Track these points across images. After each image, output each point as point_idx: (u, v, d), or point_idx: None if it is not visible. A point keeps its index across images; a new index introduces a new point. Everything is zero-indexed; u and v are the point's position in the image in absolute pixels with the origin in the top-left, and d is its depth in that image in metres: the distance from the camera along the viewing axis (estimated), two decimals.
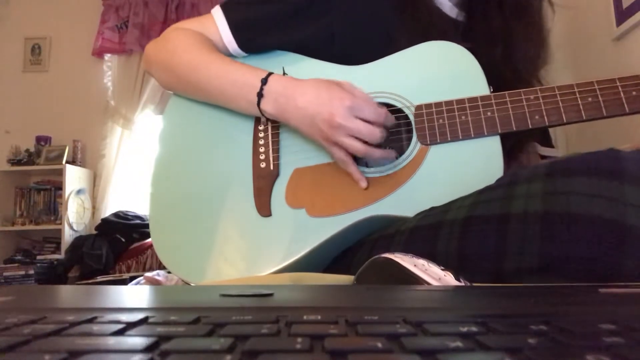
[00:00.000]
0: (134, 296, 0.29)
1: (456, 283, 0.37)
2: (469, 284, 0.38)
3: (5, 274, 2.47)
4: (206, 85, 0.69)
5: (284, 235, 0.62)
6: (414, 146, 0.62)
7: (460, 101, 0.61)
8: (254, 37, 0.74)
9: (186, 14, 3.00)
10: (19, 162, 2.96)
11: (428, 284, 0.35)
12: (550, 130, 0.77)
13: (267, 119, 0.68)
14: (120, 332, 0.17)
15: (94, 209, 2.96)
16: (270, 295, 0.26)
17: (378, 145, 0.61)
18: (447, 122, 0.61)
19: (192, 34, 0.73)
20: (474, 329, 0.17)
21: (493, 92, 0.61)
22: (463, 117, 0.60)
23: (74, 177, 2.89)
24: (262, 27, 0.73)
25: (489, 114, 0.59)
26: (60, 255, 2.70)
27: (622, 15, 1.37)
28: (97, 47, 3.08)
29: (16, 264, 2.60)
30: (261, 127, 0.70)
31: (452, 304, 0.26)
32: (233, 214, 0.66)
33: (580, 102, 0.56)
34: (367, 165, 0.64)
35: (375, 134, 0.58)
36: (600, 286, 0.32)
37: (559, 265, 0.40)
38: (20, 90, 3.15)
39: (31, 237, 3.03)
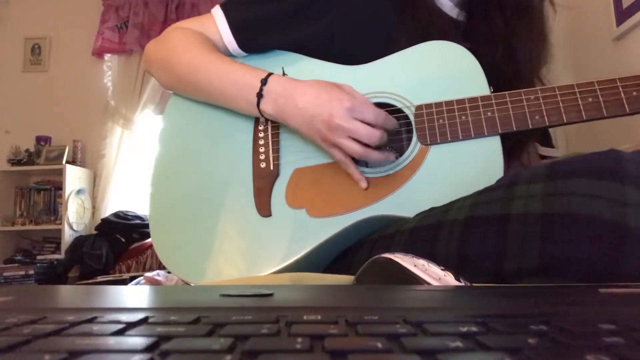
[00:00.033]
0: (134, 296, 0.29)
1: (456, 283, 0.37)
2: (469, 284, 0.38)
3: (5, 274, 2.47)
4: (206, 85, 0.69)
5: (284, 235, 0.62)
6: (414, 146, 0.62)
7: (460, 101, 0.61)
8: (254, 37, 0.74)
9: (186, 14, 3.00)
10: (19, 162, 2.96)
11: (428, 284, 0.35)
12: (550, 130, 0.77)
13: (267, 119, 0.68)
14: (120, 332, 0.17)
15: (94, 209, 2.96)
16: (270, 295, 0.26)
17: (378, 147, 0.61)
18: (447, 122, 0.61)
19: (192, 33, 0.73)
20: (474, 329, 0.17)
21: (493, 92, 0.61)
22: (463, 117, 0.60)
23: (74, 177, 2.89)
24: (262, 27, 0.73)
25: (489, 114, 0.59)
26: (60, 255, 2.70)
27: (622, 15, 1.37)
28: (97, 47, 3.08)
29: (16, 264, 2.61)
30: (261, 127, 0.70)
31: (452, 304, 0.26)
32: (233, 214, 0.66)
33: (580, 102, 0.56)
34: (367, 166, 0.64)
35: (375, 135, 0.58)
36: (600, 286, 0.32)
37: (559, 265, 0.40)
38: (20, 90, 3.15)
39: (31, 237, 3.03)
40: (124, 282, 2.25)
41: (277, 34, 0.73)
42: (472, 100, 0.60)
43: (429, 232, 0.51)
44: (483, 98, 0.60)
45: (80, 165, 3.00)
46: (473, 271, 0.45)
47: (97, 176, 3.03)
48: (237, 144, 0.70)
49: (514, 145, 0.68)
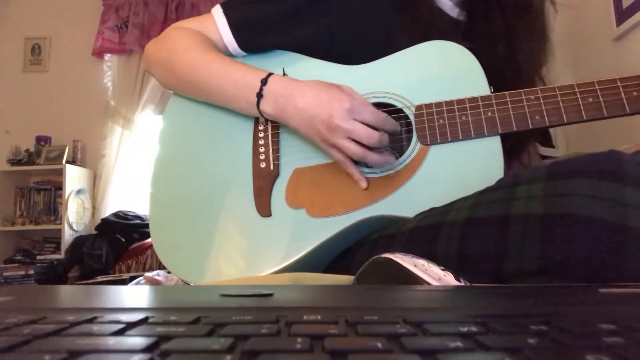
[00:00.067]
0: (134, 296, 0.29)
1: (456, 283, 0.37)
2: (469, 284, 0.38)
3: (5, 274, 2.47)
4: (206, 85, 0.69)
5: (284, 235, 0.62)
6: (414, 146, 0.62)
7: (460, 101, 0.61)
8: (254, 37, 0.74)
9: (186, 14, 3.00)
10: (19, 162, 2.96)
11: (428, 284, 0.35)
12: (551, 130, 0.77)
13: (267, 119, 0.68)
14: (120, 332, 0.17)
15: (94, 209, 2.96)
16: (270, 295, 0.26)
17: (379, 149, 0.61)
18: (447, 122, 0.61)
19: (192, 33, 0.73)
20: (474, 329, 0.17)
21: (494, 92, 0.61)
22: (463, 117, 0.60)
23: (74, 177, 2.89)
24: (262, 26, 0.73)
25: (489, 114, 0.59)
26: (60, 255, 2.70)
27: (622, 15, 1.37)
28: (97, 47, 3.08)
29: (16, 264, 2.60)
30: (261, 127, 0.70)
31: (452, 304, 0.26)
32: (233, 214, 0.66)
33: (581, 102, 0.56)
34: (367, 166, 0.64)
35: (374, 137, 0.58)
36: (600, 286, 0.32)
37: (559, 266, 0.40)
38: (20, 90, 3.15)
39: (31, 237, 3.03)
40: (124, 282, 2.25)
41: (277, 34, 0.73)
42: (473, 100, 0.60)
43: (429, 233, 0.51)
44: (483, 98, 0.60)
45: (80, 165, 3.00)
46: (473, 271, 0.45)
47: (97, 176, 3.03)
48: (237, 144, 0.70)
49: (514, 145, 0.68)
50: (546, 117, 0.57)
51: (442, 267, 0.38)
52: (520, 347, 0.15)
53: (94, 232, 2.68)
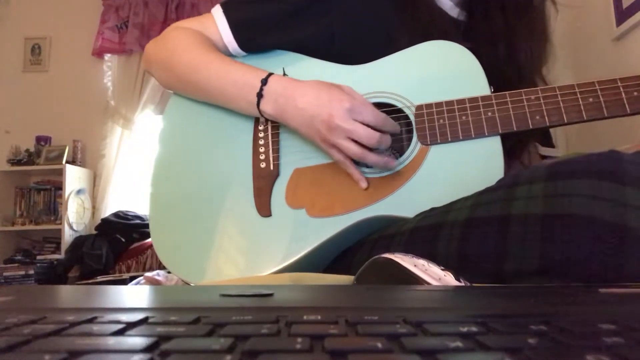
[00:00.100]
0: (134, 296, 0.29)
1: (456, 283, 0.37)
2: (469, 284, 0.38)
3: (5, 274, 2.47)
4: (206, 85, 0.69)
5: (284, 235, 0.62)
6: (414, 146, 0.62)
7: (460, 101, 0.61)
8: (254, 37, 0.74)
9: (186, 14, 3.00)
10: (19, 162, 2.96)
11: (428, 284, 0.35)
12: (551, 130, 0.77)
13: (267, 119, 0.68)
14: (120, 332, 0.17)
15: (94, 209, 2.96)
16: (270, 295, 0.26)
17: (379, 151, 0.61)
18: (447, 122, 0.61)
19: (192, 33, 0.73)
20: (474, 329, 0.17)
21: (494, 92, 0.61)
22: (464, 117, 0.60)
23: (74, 177, 2.89)
24: (262, 26, 0.73)
25: (489, 114, 0.59)
26: (60, 255, 2.70)
27: (622, 15, 1.37)
28: (97, 47, 3.08)
29: (16, 264, 2.60)
30: (261, 127, 0.70)
31: (452, 304, 0.26)
32: (233, 214, 0.66)
33: (581, 102, 0.56)
34: (367, 166, 0.64)
35: (374, 137, 0.58)
36: (600, 286, 0.32)
37: (559, 266, 0.40)
38: (20, 90, 3.15)
39: (31, 237, 3.03)
40: (124, 282, 2.25)
41: (277, 34, 0.73)
42: (473, 100, 0.60)
43: (429, 233, 0.51)
44: (483, 98, 0.60)
45: (80, 165, 3.00)
46: (473, 271, 0.45)
47: (97, 176, 3.03)
48: (237, 144, 0.70)
49: (515, 146, 0.68)
50: (546, 117, 0.57)
51: (442, 267, 0.38)
52: (520, 347, 0.15)
53: (94, 232, 2.69)
